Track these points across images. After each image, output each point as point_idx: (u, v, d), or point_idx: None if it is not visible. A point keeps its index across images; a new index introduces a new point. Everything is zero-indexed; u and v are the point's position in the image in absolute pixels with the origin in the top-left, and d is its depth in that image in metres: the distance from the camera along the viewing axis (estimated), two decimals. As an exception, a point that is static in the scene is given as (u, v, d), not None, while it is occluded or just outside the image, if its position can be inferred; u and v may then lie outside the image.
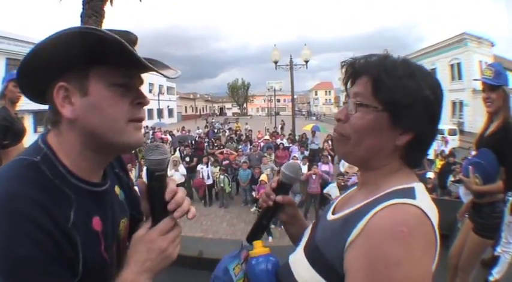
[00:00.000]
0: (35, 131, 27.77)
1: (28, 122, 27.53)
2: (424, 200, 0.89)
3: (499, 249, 4.46)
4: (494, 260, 4.44)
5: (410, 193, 0.91)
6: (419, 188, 0.95)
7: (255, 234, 1.40)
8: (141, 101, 1.05)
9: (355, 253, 0.87)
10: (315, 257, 1.02)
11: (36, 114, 29.06)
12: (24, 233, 0.81)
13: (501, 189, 2.90)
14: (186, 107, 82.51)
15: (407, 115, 0.94)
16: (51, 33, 0.91)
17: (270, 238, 8.56)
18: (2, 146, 3.56)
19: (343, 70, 1.10)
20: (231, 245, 5.11)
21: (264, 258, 1.20)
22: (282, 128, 28.56)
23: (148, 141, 20.01)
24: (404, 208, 0.85)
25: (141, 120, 1.07)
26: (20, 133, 3.79)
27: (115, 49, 0.92)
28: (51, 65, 0.95)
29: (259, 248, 1.24)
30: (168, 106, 64.01)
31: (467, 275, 3.31)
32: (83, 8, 8.07)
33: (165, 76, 1.12)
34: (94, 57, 0.95)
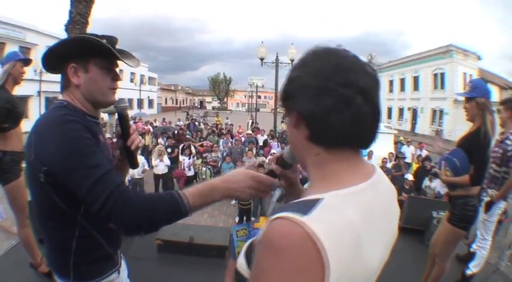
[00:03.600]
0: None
1: (42, 106, 28.61)
2: (321, 216, 0.81)
3: (474, 246, 4.76)
4: (470, 256, 4.74)
5: (307, 207, 0.83)
6: (330, 199, 0.87)
7: None
8: (116, 78, 1.80)
9: (256, 249, 0.91)
10: (251, 244, 1.19)
11: (49, 98, 29.82)
12: (78, 127, 1.52)
13: (467, 182, 3.31)
14: (166, 98, 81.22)
15: (286, 99, 1.03)
16: (71, 37, 1.80)
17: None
18: (2, 129, 3.55)
19: None
20: (220, 231, 5.29)
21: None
22: (252, 124, 28.48)
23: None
24: (283, 224, 0.80)
25: (116, 88, 1.82)
26: (19, 116, 3.74)
27: (103, 49, 1.65)
28: (68, 53, 1.67)
29: (262, 221, 1.59)
30: (148, 97, 63.18)
31: (443, 261, 3.64)
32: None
33: (128, 65, 1.84)
34: (92, 52, 1.67)
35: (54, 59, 1.71)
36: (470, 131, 3.40)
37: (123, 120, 1.81)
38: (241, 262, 1.19)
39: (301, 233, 0.76)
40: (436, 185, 9.79)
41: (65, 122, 1.50)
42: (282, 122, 21.36)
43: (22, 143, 3.82)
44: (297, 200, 0.92)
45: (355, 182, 0.94)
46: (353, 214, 0.86)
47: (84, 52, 1.66)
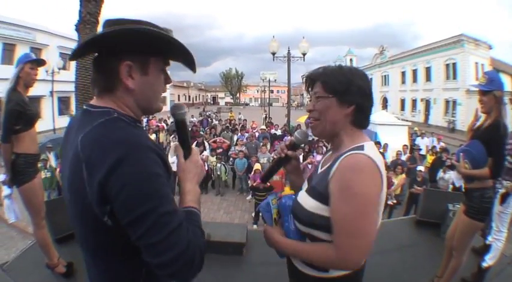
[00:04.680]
0: (60, 113, 28.98)
1: (55, 106, 28.44)
2: (370, 151, 1.51)
3: (490, 238, 4.71)
4: (486, 248, 4.68)
5: (360, 148, 1.54)
6: (368, 145, 1.59)
7: (269, 176, 2.14)
8: (168, 80, 1.51)
9: (333, 181, 1.52)
10: (313, 192, 1.66)
11: (61, 98, 30.46)
12: (153, 159, 1.22)
13: (486, 174, 3.30)
14: (179, 95, 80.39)
15: (346, 96, 1.60)
16: (137, 27, 1.30)
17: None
18: (14, 131, 3.50)
19: (305, 80, 1.76)
20: (237, 228, 5.29)
21: (290, 197, 1.81)
22: (266, 119, 28.60)
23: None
24: (356, 155, 1.50)
25: (164, 92, 1.56)
26: (32, 118, 3.68)
27: (178, 48, 1.40)
28: (127, 46, 1.31)
29: (287, 190, 1.90)
30: (161, 94, 62.65)
31: (460, 254, 3.64)
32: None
33: (193, 72, 1.58)
34: (158, 50, 1.39)
35: (104, 50, 1.34)
36: (488, 124, 3.36)
37: (183, 129, 1.61)
38: (311, 205, 1.62)
39: (369, 159, 1.47)
40: (450, 177, 9.69)
41: (139, 150, 1.20)
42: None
43: (36, 144, 3.87)
44: (351, 147, 1.58)
45: (368, 141, 1.65)
46: (377, 153, 1.55)
47: (148, 49, 1.36)
